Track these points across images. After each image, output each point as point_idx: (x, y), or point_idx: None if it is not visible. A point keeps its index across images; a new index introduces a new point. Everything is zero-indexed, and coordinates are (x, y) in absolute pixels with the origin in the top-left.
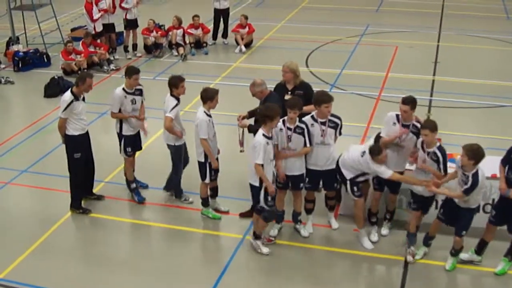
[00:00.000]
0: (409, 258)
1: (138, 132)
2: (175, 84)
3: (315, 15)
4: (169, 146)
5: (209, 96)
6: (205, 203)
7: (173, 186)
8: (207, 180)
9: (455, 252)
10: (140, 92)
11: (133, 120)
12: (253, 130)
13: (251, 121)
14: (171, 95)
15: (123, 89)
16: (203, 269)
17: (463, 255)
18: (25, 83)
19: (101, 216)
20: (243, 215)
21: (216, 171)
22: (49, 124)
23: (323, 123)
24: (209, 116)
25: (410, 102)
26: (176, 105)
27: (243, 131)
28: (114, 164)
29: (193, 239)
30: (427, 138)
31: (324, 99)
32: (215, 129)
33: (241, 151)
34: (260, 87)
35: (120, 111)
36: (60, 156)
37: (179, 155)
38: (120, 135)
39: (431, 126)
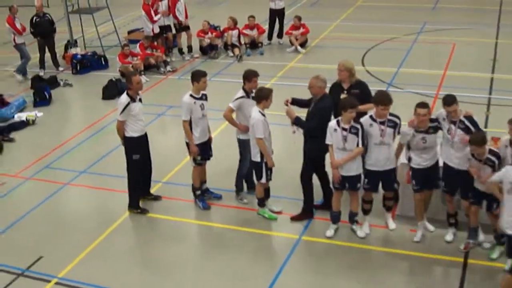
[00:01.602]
0: (461, 246)
1: (209, 140)
2: (248, 77)
3: (371, 13)
4: (237, 139)
5: (264, 96)
6: (261, 203)
7: (236, 180)
8: (263, 180)
9: None
10: (206, 97)
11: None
12: (299, 123)
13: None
14: (243, 88)
15: (191, 95)
16: (259, 269)
17: None
18: (83, 86)
19: (159, 216)
20: (294, 218)
21: (271, 170)
22: (107, 126)
23: (382, 123)
24: (264, 115)
25: (454, 100)
26: (242, 97)
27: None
28: (171, 165)
29: (249, 239)
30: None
31: (382, 100)
32: (269, 128)
33: (293, 131)
34: (321, 83)
35: (190, 118)
36: (118, 157)
37: (244, 150)
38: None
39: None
